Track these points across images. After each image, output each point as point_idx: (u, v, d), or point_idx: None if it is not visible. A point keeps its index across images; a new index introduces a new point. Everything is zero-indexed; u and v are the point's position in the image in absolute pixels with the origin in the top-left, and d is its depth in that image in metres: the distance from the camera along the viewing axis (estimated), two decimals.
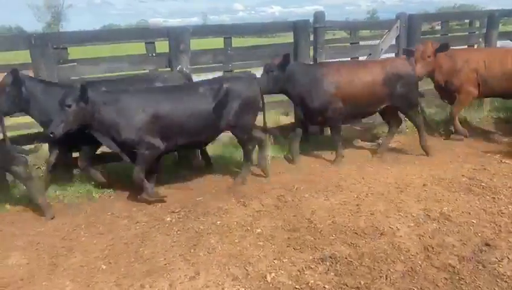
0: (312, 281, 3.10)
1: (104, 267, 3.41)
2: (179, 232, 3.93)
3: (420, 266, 3.24)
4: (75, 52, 6.17)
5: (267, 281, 3.11)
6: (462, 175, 4.92)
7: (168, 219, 4.23)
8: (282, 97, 5.98)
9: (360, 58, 7.11)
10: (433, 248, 3.47)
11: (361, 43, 7.72)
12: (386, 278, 3.11)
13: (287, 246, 3.57)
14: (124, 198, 4.80)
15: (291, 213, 4.18)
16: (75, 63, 5.22)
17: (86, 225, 4.18)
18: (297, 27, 6.18)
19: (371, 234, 3.73)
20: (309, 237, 3.72)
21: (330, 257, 3.39)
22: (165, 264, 3.39)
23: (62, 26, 66.97)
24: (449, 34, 8.20)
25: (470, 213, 4.03)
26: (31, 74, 4.89)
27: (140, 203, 4.62)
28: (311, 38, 6.41)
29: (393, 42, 6.97)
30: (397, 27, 6.81)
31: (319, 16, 6.29)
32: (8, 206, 4.62)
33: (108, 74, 5.53)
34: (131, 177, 4.51)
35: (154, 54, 5.62)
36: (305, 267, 3.27)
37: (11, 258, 3.61)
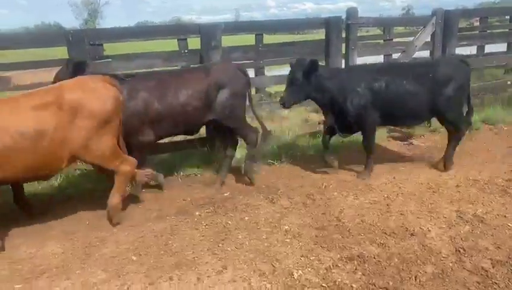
0: (339, 280, 3.08)
1: (134, 258, 3.49)
2: (207, 227, 3.98)
3: (451, 268, 3.16)
4: (108, 48, 6.31)
5: (293, 278, 3.11)
6: (498, 177, 4.75)
7: (197, 213, 4.29)
8: None
9: (394, 56, 6.99)
10: (465, 250, 3.37)
11: (394, 40, 7.58)
12: (416, 280, 3.05)
13: (315, 244, 3.56)
14: (152, 191, 4.90)
15: (319, 211, 4.16)
16: (110, 59, 5.33)
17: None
18: (329, 24, 6.12)
19: (400, 235, 3.66)
20: (337, 235, 3.70)
21: (358, 256, 3.36)
22: (193, 257, 3.44)
23: (98, 23, 68.85)
24: (488, 31, 7.92)
25: (505, 216, 3.89)
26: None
27: (169, 196, 4.71)
28: (344, 35, 6.33)
29: (428, 39, 6.80)
30: (433, 24, 6.64)
31: (351, 12, 6.21)
32: (44, 197, 4.80)
33: (143, 69, 5.65)
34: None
35: (186, 51, 5.70)
36: (333, 266, 3.25)
37: (47, 247, 3.75)
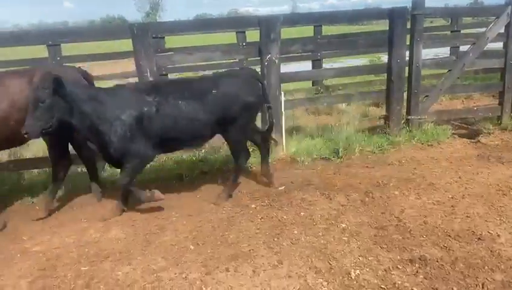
0: (399, 282, 2.96)
1: (192, 247, 3.57)
2: (262, 220, 3.98)
3: None
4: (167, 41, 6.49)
5: (351, 277, 3.04)
6: None
7: (253, 205, 4.31)
8: (374, 87, 5.75)
9: (461, 48, 6.59)
10: None
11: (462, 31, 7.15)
12: (483, 287, 2.87)
13: (373, 244, 3.46)
14: (210, 182, 4.98)
15: (378, 210, 4.03)
16: (172, 52, 5.46)
17: (176, 206, 4.41)
18: (393, 14, 5.86)
19: (466, 238, 3.46)
20: (397, 236, 3.56)
21: (420, 259, 3.22)
22: (249, 250, 3.46)
23: (159, 16, 71.03)
24: None
25: None
26: (132, 62, 5.23)
27: (225, 188, 4.76)
28: (408, 26, 6.05)
29: (502, 30, 6.33)
30: (508, 14, 6.16)
31: (418, 2, 5.89)
32: (110, 183, 5.04)
33: (202, 62, 5.74)
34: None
35: (244, 44, 5.74)
36: (392, 267, 3.14)
37: (111, 232, 3.94)
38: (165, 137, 4.14)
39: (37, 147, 6.33)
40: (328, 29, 11.77)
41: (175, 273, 3.19)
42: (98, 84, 4.95)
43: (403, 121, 6.17)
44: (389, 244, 3.45)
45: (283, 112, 5.66)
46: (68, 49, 8.75)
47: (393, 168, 5.09)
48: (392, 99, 6.05)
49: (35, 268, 3.39)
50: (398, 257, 3.27)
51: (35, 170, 5.38)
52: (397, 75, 5.98)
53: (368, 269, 3.13)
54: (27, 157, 5.68)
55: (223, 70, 5.52)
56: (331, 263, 3.23)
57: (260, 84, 4.57)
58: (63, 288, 3.10)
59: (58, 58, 7.55)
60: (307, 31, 10.07)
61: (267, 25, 5.42)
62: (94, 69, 5.41)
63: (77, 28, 12.57)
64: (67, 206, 4.55)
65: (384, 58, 9.55)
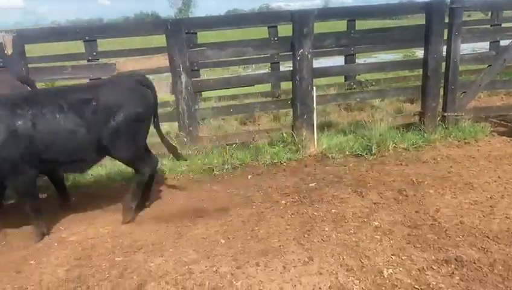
0: (434, 283, 2.88)
1: (222, 241, 3.60)
2: (293, 216, 3.96)
3: None
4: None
5: (383, 276, 2.98)
6: None
7: (283, 201, 4.29)
8: (408, 83, 5.61)
9: (502, 43, 6.33)
10: None
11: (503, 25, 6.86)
12: None
13: (407, 243, 3.38)
14: (240, 177, 4.99)
15: (412, 208, 3.93)
16: (205, 48, 5.50)
17: (207, 199, 4.46)
18: (430, 8, 5.69)
19: (505, 240, 3.33)
20: (432, 235, 3.47)
21: (455, 260, 3.12)
22: (279, 245, 3.45)
23: (191, 12, 71.76)
24: None
25: None
26: (166, 58, 5.30)
27: (255, 183, 4.77)
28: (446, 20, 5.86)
29: None
30: None
31: None
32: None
33: (234, 57, 5.75)
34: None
35: (276, 38, 5.71)
36: (427, 267, 3.06)
37: (144, 224, 4.02)
38: (41, 156, 3.66)
39: None
40: (360, 24, 11.60)
41: (206, 266, 3.22)
42: None
43: (438, 118, 6.01)
44: (423, 243, 3.36)
45: (315, 108, 5.61)
46: (103, 44, 8.98)
47: (428, 166, 4.96)
48: (427, 95, 5.89)
49: (71, 257, 3.50)
50: (433, 257, 3.18)
51: None
52: (434, 70, 5.81)
53: (401, 269, 3.06)
54: None
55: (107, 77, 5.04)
56: (362, 261, 3.17)
57: (150, 91, 4.08)
58: (97, 277, 3.19)
59: (94, 53, 7.78)
60: (337, 25, 9.93)
61: (300, 19, 5.37)
62: (128, 64, 5.50)
63: (113, 24, 12.85)
64: (103, 198, 4.67)
65: (418, 53, 9.31)
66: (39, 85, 5.20)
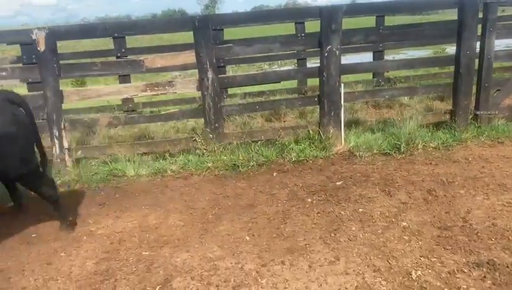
0: (464, 286, 2.80)
1: (247, 238, 3.59)
2: (319, 215, 3.92)
3: None
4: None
5: (411, 278, 2.92)
6: None
7: (309, 200, 4.25)
8: (438, 80, 5.46)
9: None
10: None
11: None
12: None
13: (437, 245, 3.29)
14: (265, 174, 4.97)
15: (442, 209, 3.83)
16: (231, 44, 5.49)
17: (233, 196, 4.46)
18: (463, 2, 5.51)
19: None
20: (463, 237, 3.36)
21: (488, 263, 3.01)
22: (305, 244, 3.42)
23: (218, 8, 72.10)
24: None
25: None
26: (193, 54, 5.32)
27: (281, 180, 4.74)
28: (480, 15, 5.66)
29: None
30: None
31: None
32: (169, 171, 5.19)
33: (261, 54, 5.73)
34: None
35: (302, 34, 5.66)
36: (457, 270, 2.97)
37: (170, 219, 4.06)
38: None
39: (103, 135, 6.69)
40: (388, 19, 11.38)
41: (231, 263, 3.22)
42: (158, 76, 5.08)
43: (470, 117, 5.83)
44: (453, 245, 3.26)
45: (342, 105, 5.53)
46: (131, 41, 9.11)
47: (459, 165, 4.82)
48: (459, 93, 5.72)
49: (99, 250, 3.57)
50: (464, 259, 3.09)
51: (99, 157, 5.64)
52: (466, 67, 5.63)
53: (430, 271, 2.98)
54: (94, 145, 6.00)
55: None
56: (390, 262, 3.11)
57: (22, 109, 3.70)
58: (125, 271, 3.24)
59: (123, 50, 7.91)
60: (365, 21, 9.76)
61: (329, 15, 5.29)
62: (156, 61, 5.55)
63: (142, 20, 13.03)
64: (130, 193, 4.74)
65: (449, 49, 9.07)
66: (70, 81, 5.31)
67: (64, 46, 7.60)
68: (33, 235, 3.93)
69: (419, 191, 4.21)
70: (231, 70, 12.33)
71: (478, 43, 5.70)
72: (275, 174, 4.97)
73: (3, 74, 5.28)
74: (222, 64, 7.98)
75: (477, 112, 5.81)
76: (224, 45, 5.53)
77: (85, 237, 3.83)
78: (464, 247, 3.23)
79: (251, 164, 5.22)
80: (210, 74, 5.33)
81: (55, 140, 5.27)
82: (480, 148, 5.32)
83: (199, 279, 3.06)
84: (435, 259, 3.11)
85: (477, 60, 5.76)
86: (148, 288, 3.02)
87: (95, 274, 3.23)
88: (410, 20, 10.93)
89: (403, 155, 5.20)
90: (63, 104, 5.32)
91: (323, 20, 5.31)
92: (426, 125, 5.80)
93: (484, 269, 2.96)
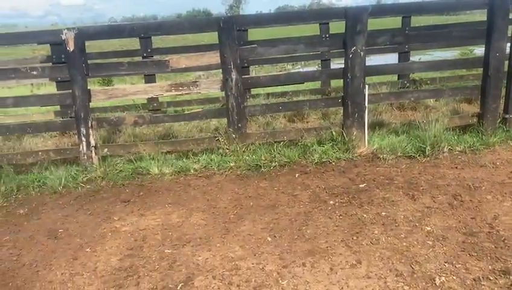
0: None
1: (269, 239, 3.60)
2: (341, 217, 3.90)
3: None
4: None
5: (435, 284, 2.87)
6: None
7: (331, 202, 4.23)
8: (466, 82, 5.34)
9: None
10: None
11: None
12: None
13: (461, 251, 3.22)
14: (287, 175, 4.97)
15: (468, 215, 3.75)
16: (255, 45, 5.51)
17: (255, 196, 4.48)
18: (493, 3, 5.37)
19: None
20: (489, 244, 3.29)
21: None
22: (327, 247, 3.41)
23: (242, 9, 72.35)
24: None
25: None
26: (217, 55, 5.37)
27: (303, 182, 4.73)
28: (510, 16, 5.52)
29: None
30: None
31: None
32: (192, 170, 5.25)
33: (285, 55, 5.73)
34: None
35: (327, 35, 5.63)
36: (483, 277, 2.90)
37: (192, 217, 4.11)
38: None
39: (129, 134, 6.81)
40: (415, 20, 11.21)
41: (252, 263, 3.24)
42: (181, 76, 5.14)
43: (499, 120, 5.68)
44: (479, 252, 3.19)
45: (366, 106, 5.48)
46: (156, 42, 9.24)
47: (486, 170, 4.70)
48: (488, 95, 5.59)
49: (124, 247, 3.64)
50: (490, 266, 3.02)
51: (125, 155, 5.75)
52: (495, 69, 5.49)
53: (454, 277, 2.93)
54: (119, 143, 6.12)
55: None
56: (413, 267, 3.07)
57: None
58: (148, 268, 3.30)
59: (149, 50, 8.03)
60: (390, 21, 9.62)
61: (354, 16, 5.25)
62: (181, 61, 5.62)
63: (168, 21, 13.19)
64: (153, 191, 4.82)
65: (476, 50, 8.85)
66: (96, 80, 5.43)
67: (92, 46, 7.77)
68: (60, 231, 4.04)
69: (444, 196, 4.13)
70: (254, 71, 12.35)
71: (508, 45, 5.56)
72: (297, 175, 4.96)
73: (34, 72, 5.45)
74: (246, 64, 8.02)
75: (506, 116, 5.66)
76: (249, 46, 5.56)
77: (110, 234, 3.91)
78: (490, 254, 3.16)
79: (273, 164, 5.23)
80: (234, 75, 5.37)
81: (83, 138, 5.41)
82: (508, 152, 5.18)
83: (220, 278, 3.09)
84: (459, 265, 3.05)
85: (506, 62, 5.61)
86: (170, 285, 3.07)
87: (119, 270, 3.30)
88: (436, 21, 10.73)
89: (428, 158, 5.12)
90: (90, 103, 5.45)
91: (348, 20, 5.27)
92: (452, 129, 5.69)
93: (511, 277, 2.89)
